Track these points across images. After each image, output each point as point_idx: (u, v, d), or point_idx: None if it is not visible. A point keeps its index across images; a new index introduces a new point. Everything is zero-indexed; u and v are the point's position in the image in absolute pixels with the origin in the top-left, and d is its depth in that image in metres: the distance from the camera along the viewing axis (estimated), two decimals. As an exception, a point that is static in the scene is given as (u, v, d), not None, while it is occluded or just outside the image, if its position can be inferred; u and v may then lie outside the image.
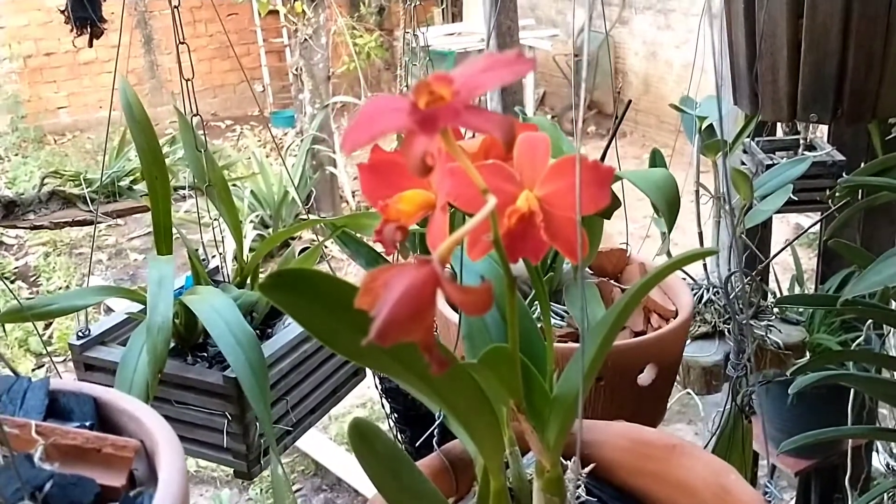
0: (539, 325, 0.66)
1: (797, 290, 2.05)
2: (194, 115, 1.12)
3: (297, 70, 4.80)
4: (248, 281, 1.22)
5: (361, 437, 0.58)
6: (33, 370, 3.73)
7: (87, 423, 0.58)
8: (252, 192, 4.57)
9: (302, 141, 4.79)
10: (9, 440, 0.52)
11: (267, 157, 4.92)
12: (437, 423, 0.70)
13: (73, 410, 0.59)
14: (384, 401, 1.53)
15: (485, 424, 0.56)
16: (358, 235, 1.23)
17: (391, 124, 0.36)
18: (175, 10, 1.08)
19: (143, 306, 1.16)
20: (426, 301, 0.37)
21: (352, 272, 4.15)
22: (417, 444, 0.68)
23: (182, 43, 1.09)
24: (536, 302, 1.02)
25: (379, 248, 1.22)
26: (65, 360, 3.69)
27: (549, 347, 0.60)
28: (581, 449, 0.67)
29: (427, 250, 0.54)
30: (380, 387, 1.46)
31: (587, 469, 0.66)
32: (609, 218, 0.95)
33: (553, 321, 1.09)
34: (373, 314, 0.37)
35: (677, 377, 1.46)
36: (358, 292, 0.40)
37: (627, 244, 1.23)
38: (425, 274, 0.38)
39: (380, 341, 0.36)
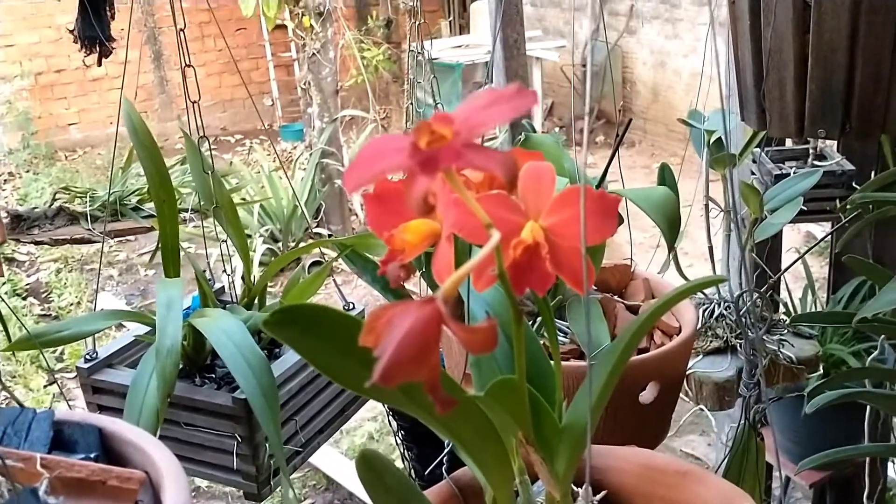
0: (543, 342, 0.66)
1: (809, 299, 2.04)
2: (201, 137, 1.12)
3: (305, 84, 4.81)
4: (256, 301, 1.21)
5: (369, 468, 0.57)
6: (45, 386, 3.75)
7: (93, 455, 0.58)
8: (262, 206, 4.58)
9: (311, 155, 4.80)
10: (14, 474, 0.52)
11: (276, 171, 4.93)
12: (446, 450, 0.69)
13: (79, 441, 0.59)
14: (391, 419, 1.53)
15: (493, 455, 0.55)
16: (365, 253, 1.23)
17: (392, 164, 0.35)
18: (181, 32, 1.09)
19: (151, 328, 1.16)
20: (430, 341, 0.37)
21: (361, 284, 4.15)
22: (427, 472, 0.68)
23: (188, 66, 1.09)
24: (539, 318, 1.02)
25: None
26: (75, 376, 3.70)
27: (556, 374, 0.60)
28: (592, 475, 0.66)
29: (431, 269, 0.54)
30: (387, 405, 1.46)
31: (598, 497, 0.65)
32: (612, 235, 0.95)
33: (562, 339, 1.08)
34: (376, 355, 0.37)
35: (690, 393, 1.45)
36: (362, 330, 0.40)
37: (632, 259, 1.22)
38: (429, 313, 0.37)
39: (383, 383, 0.35)
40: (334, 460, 3.06)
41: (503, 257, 0.47)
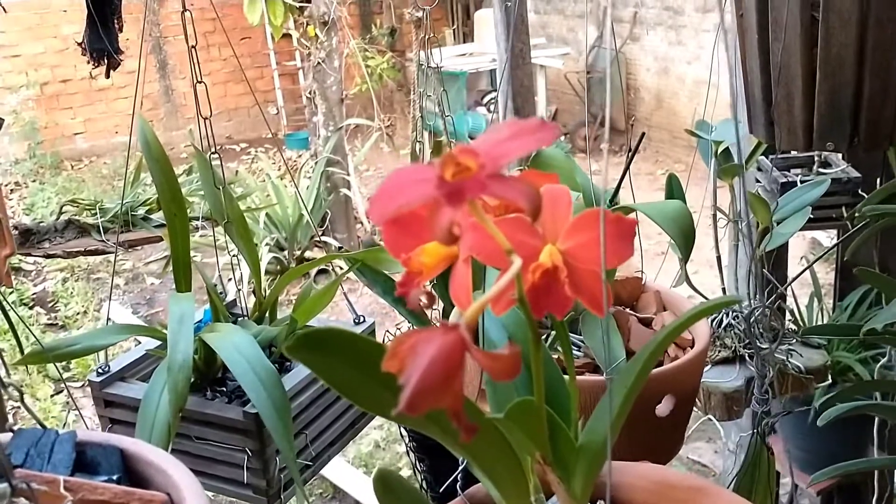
0: (556, 357, 0.66)
1: (815, 306, 2.04)
2: (213, 153, 1.13)
3: (310, 93, 4.83)
4: (267, 315, 1.22)
5: (386, 488, 0.58)
6: (52, 396, 3.75)
7: (115, 476, 0.59)
8: (267, 214, 4.59)
9: (316, 163, 4.81)
10: (37, 497, 0.53)
11: (281, 179, 4.94)
12: (461, 467, 0.70)
13: (101, 463, 0.59)
14: (402, 429, 1.53)
15: (509, 474, 0.56)
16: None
17: (418, 196, 0.36)
18: (192, 49, 1.09)
19: (162, 342, 1.17)
20: (454, 368, 0.37)
21: (366, 292, 4.15)
22: (441, 489, 0.68)
23: (199, 82, 1.09)
24: (552, 330, 1.03)
25: (395, 277, 1.22)
26: (83, 385, 3.71)
27: (572, 393, 0.60)
28: (604, 492, 0.66)
29: (446, 285, 0.54)
30: (399, 416, 1.46)
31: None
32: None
33: (576, 352, 1.09)
34: (401, 383, 0.37)
35: (699, 402, 1.45)
36: (385, 354, 0.40)
37: (643, 272, 1.22)
38: (453, 340, 0.38)
39: (409, 412, 0.36)
40: (341, 469, 3.06)
41: (523, 281, 0.47)
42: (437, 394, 0.37)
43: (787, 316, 1.94)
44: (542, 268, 0.48)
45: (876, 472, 1.65)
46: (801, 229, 1.46)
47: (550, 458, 0.54)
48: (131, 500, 0.54)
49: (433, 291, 0.48)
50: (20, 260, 4.94)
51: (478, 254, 0.49)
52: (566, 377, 0.64)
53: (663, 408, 0.98)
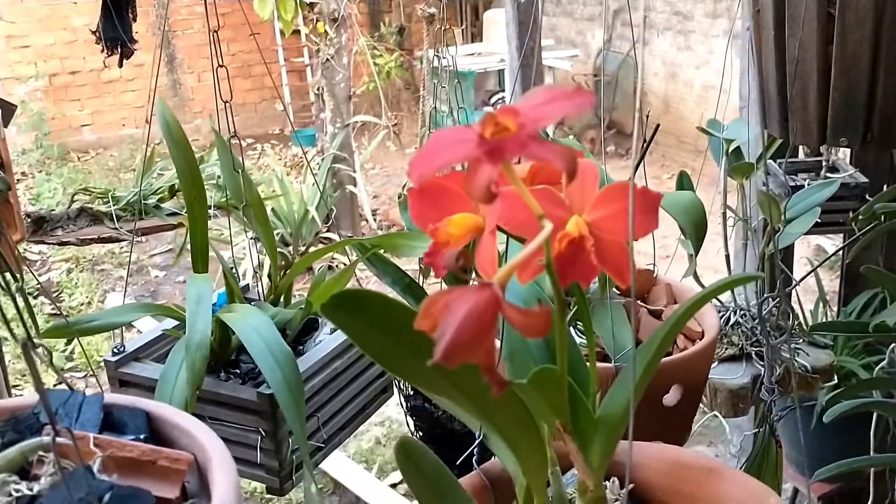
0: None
1: (820, 312, 2.05)
2: (232, 137, 1.14)
3: (318, 89, 4.84)
4: (282, 299, 1.23)
5: (407, 456, 0.59)
6: (55, 385, 3.76)
7: (141, 437, 0.60)
8: (273, 209, 4.60)
9: (323, 160, 4.83)
10: (68, 453, 0.54)
11: (287, 175, 4.96)
12: (476, 442, 0.71)
13: (127, 424, 0.61)
14: (409, 419, 1.54)
15: (529, 443, 0.57)
16: (384, 254, 1.25)
17: (459, 154, 0.37)
18: (214, 33, 1.11)
19: (179, 323, 1.18)
20: (488, 324, 0.39)
21: (375, 283, 4.16)
22: (458, 463, 0.70)
23: (221, 66, 1.11)
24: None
25: (405, 267, 1.24)
26: (85, 376, 3.72)
27: (591, 369, 0.61)
28: (620, 470, 0.68)
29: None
30: (405, 405, 1.47)
31: (625, 490, 0.67)
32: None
33: (580, 340, 1.10)
34: (436, 336, 0.38)
35: (704, 399, 1.46)
36: (417, 315, 0.41)
37: (654, 265, 1.24)
38: (487, 297, 0.39)
39: (445, 362, 0.37)
40: (342, 464, 3.07)
41: (550, 251, 0.49)
42: (471, 347, 0.38)
43: (793, 319, 1.95)
44: (568, 237, 0.49)
45: (872, 477, 1.66)
46: (808, 234, 1.47)
47: (570, 427, 0.56)
48: (158, 458, 0.55)
49: (467, 252, 0.49)
50: (25, 249, 4.96)
51: (507, 223, 0.50)
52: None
53: (671, 397, 1.00)
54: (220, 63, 1.12)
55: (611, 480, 0.68)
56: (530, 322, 0.39)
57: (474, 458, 0.70)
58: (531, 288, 0.69)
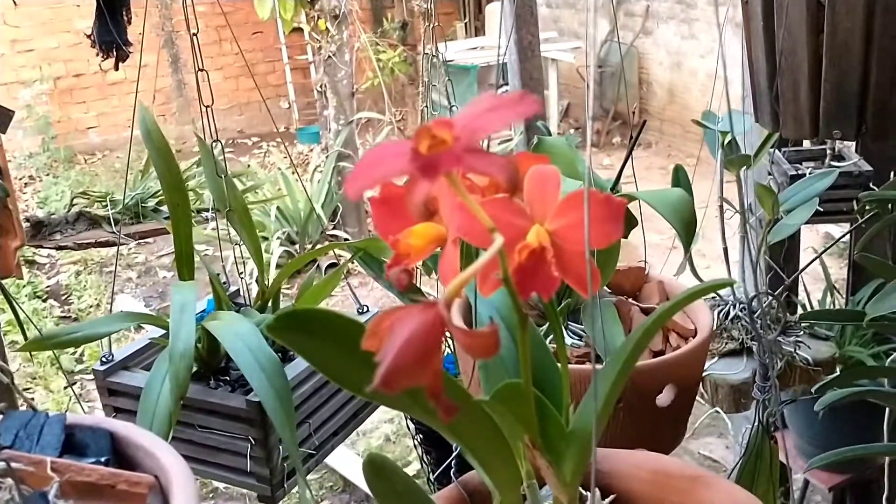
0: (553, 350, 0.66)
1: (828, 301, 2.02)
2: (215, 141, 1.13)
3: (321, 87, 4.83)
4: (270, 304, 1.22)
5: (377, 473, 0.57)
6: (65, 388, 3.77)
7: (103, 459, 0.58)
8: (279, 208, 4.60)
9: (327, 157, 4.82)
10: (24, 478, 0.52)
11: (293, 173, 4.95)
12: (454, 454, 0.69)
13: (90, 445, 0.59)
14: (409, 422, 1.53)
15: (500, 459, 0.55)
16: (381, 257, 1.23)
17: (393, 169, 0.35)
18: (194, 37, 1.09)
19: (167, 331, 1.17)
20: (432, 345, 0.37)
21: (377, 287, 4.15)
22: (438, 473, 0.68)
23: (201, 70, 1.09)
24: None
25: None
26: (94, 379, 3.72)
27: (564, 378, 0.60)
28: (600, 480, 0.66)
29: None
30: (403, 407, 1.46)
31: (607, 501, 0.65)
32: (626, 237, 0.95)
33: (571, 341, 1.08)
34: (378, 360, 0.37)
35: (706, 395, 1.44)
36: (364, 334, 0.40)
37: (646, 262, 1.22)
38: (431, 318, 0.37)
39: (385, 388, 0.35)
40: (351, 462, 3.07)
41: (509, 261, 0.47)
42: (414, 371, 0.36)
43: (799, 310, 1.93)
44: (528, 248, 0.47)
45: (886, 469, 1.63)
46: (812, 223, 1.45)
47: (539, 442, 0.54)
48: (118, 482, 0.54)
49: (412, 269, 0.47)
50: (34, 253, 4.98)
51: (466, 234, 0.49)
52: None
53: (664, 398, 0.98)
54: (201, 67, 1.10)
55: (589, 493, 0.66)
56: (476, 343, 0.37)
57: (453, 470, 0.68)
58: (503, 294, 0.67)
